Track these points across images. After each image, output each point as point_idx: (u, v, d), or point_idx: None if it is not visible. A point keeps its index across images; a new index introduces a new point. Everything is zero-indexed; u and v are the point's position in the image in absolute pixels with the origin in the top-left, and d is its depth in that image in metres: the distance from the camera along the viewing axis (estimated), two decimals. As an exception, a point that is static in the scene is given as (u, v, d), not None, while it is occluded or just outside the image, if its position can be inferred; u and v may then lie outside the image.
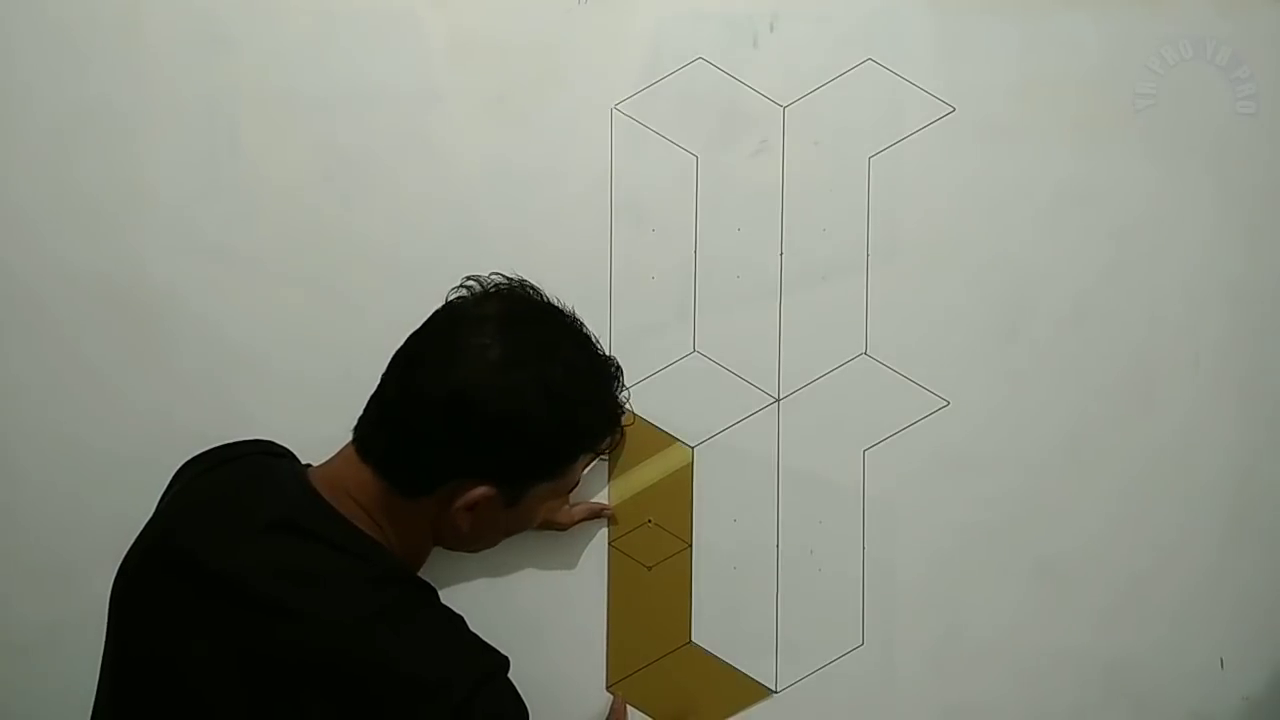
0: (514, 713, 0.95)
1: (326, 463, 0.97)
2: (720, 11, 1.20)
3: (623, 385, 0.97)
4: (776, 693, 1.23)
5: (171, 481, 1.03)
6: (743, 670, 1.23)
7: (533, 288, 0.98)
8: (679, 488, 1.22)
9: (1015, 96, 1.20)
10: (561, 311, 0.97)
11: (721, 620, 1.22)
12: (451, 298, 0.96)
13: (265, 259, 1.22)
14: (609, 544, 1.22)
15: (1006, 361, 1.21)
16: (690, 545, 1.23)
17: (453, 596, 1.21)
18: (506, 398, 0.89)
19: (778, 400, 1.22)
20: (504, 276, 0.96)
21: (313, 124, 1.21)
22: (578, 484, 0.98)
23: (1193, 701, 1.22)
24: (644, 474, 1.22)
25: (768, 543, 1.22)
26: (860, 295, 1.21)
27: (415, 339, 0.95)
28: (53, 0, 1.21)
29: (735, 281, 1.22)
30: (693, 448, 1.22)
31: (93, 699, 0.97)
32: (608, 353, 0.96)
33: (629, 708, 1.21)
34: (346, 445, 0.96)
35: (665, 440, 1.22)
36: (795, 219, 1.21)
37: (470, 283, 0.97)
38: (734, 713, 1.23)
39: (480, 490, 0.92)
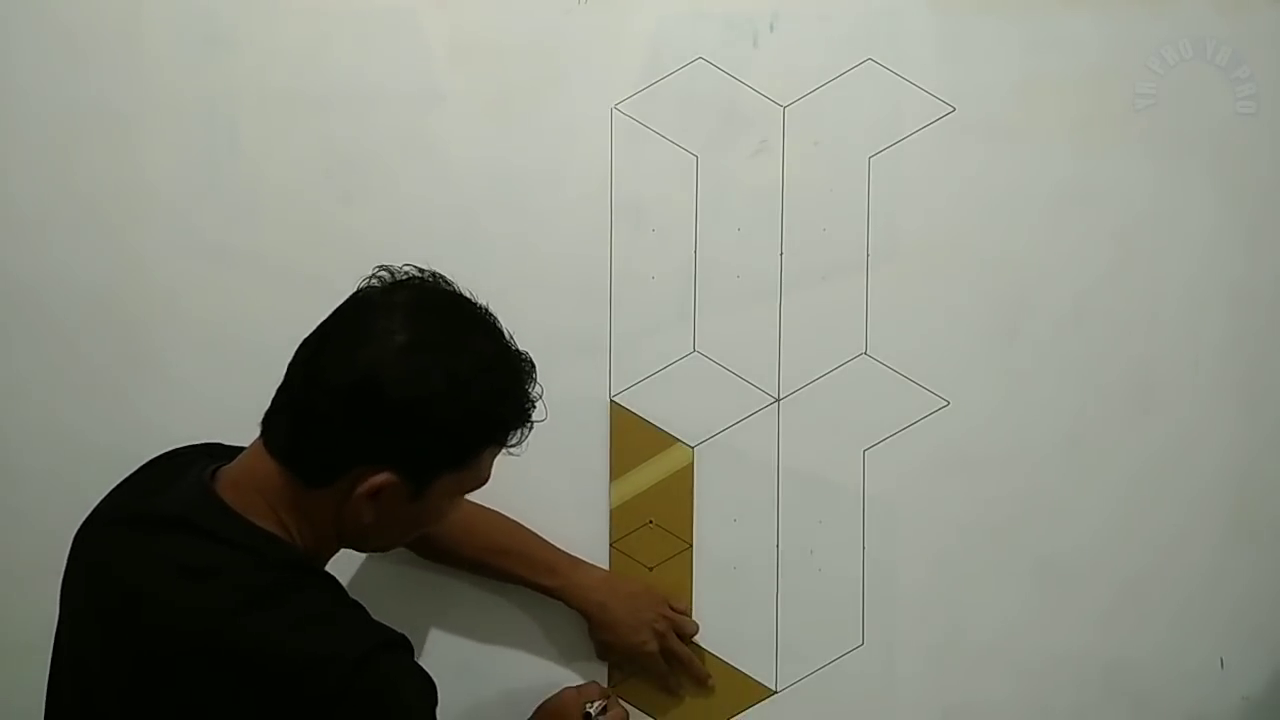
0: (414, 687, 0.91)
1: (239, 457, 0.96)
2: (720, 11, 1.20)
3: (535, 381, 0.94)
4: (777, 693, 1.23)
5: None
6: (743, 670, 1.23)
7: (445, 279, 0.95)
8: (679, 488, 1.22)
9: (1015, 96, 1.20)
10: (473, 303, 0.94)
11: (722, 620, 1.22)
12: (361, 286, 0.94)
13: (265, 259, 1.22)
14: (610, 545, 1.22)
15: (1006, 361, 1.21)
16: (691, 546, 1.23)
17: (452, 599, 1.22)
18: (411, 382, 0.87)
19: (778, 400, 1.22)
20: (416, 268, 0.94)
21: (313, 124, 1.21)
22: (486, 481, 0.97)
23: (1192, 701, 1.22)
24: (644, 474, 1.22)
25: (768, 543, 1.22)
26: (860, 295, 1.21)
27: (322, 326, 0.93)
28: (53, 0, 1.21)
29: (735, 281, 1.22)
30: (693, 448, 1.22)
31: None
32: (521, 349, 0.94)
33: (630, 707, 1.20)
34: (258, 438, 0.94)
35: (665, 440, 1.22)
36: (795, 219, 1.21)
37: (382, 272, 0.94)
38: (734, 713, 1.23)
39: (382, 477, 0.89)
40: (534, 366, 0.94)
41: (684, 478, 1.22)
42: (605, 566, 1.22)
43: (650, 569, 1.22)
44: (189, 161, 1.22)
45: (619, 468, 1.22)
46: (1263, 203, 1.20)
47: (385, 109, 1.21)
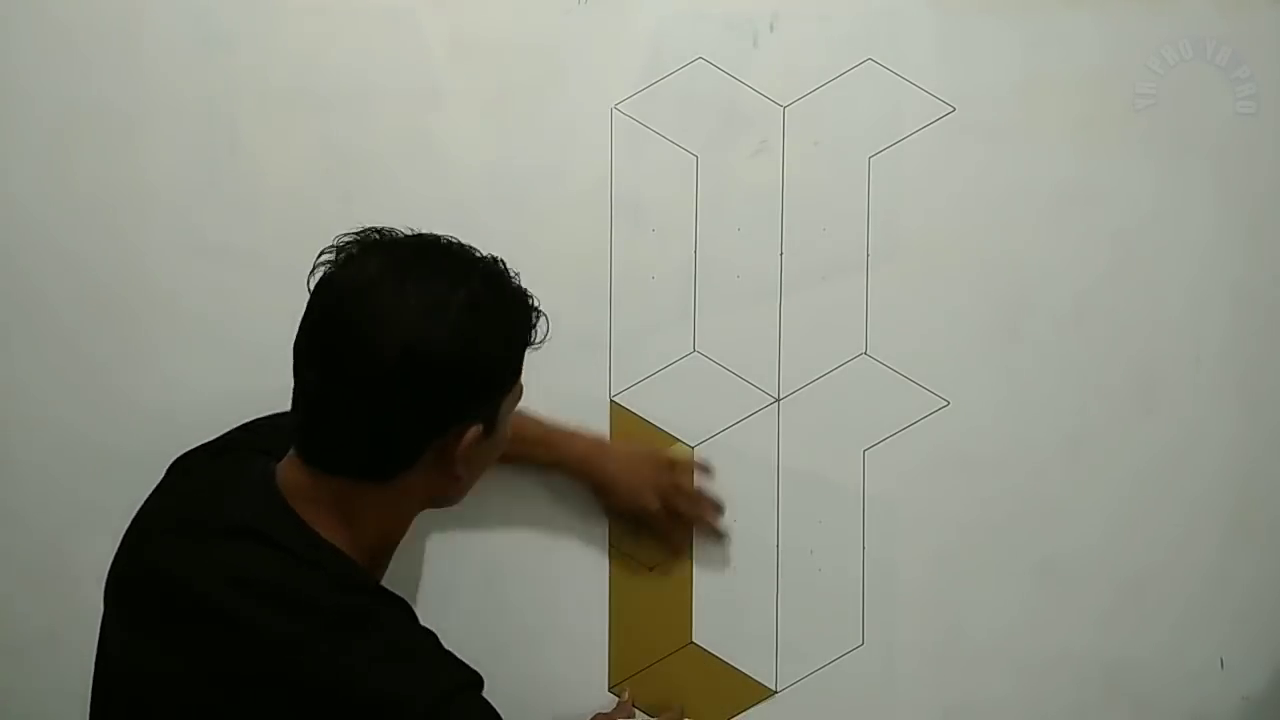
0: None
1: (286, 473, 0.93)
2: (720, 11, 1.20)
3: (513, 272, 0.95)
4: (777, 693, 1.23)
5: (165, 475, 1.02)
6: (743, 670, 1.23)
7: (385, 230, 0.93)
8: (679, 488, 1.22)
9: (1015, 96, 1.20)
10: (424, 236, 0.94)
11: (722, 620, 1.22)
12: (318, 276, 0.92)
13: (265, 259, 1.22)
14: (610, 544, 1.22)
15: (1006, 361, 1.21)
16: (691, 545, 1.23)
17: (452, 599, 1.21)
18: (451, 338, 0.86)
19: (778, 400, 1.22)
20: (353, 234, 0.92)
21: (313, 124, 1.21)
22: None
23: (1193, 702, 1.22)
24: (644, 474, 1.22)
25: (768, 543, 1.22)
26: (860, 295, 1.21)
27: (316, 330, 0.90)
28: (53, 0, 1.21)
29: (735, 281, 1.22)
30: (693, 448, 1.22)
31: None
32: (485, 252, 0.93)
33: (636, 708, 1.21)
34: (288, 457, 0.92)
35: (665, 440, 1.22)
36: (795, 219, 1.21)
37: (325, 256, 0.92)
38: (734, 713, 1.23)
39: (469, 434, 0.89)
40: (503, 260, 0.94)
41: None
42: (605, 562, 1.22)
43: (650, 569, 1.22)
44: (189, 161, 1.22)
45: (619, 467, 1.22)
46: (1263, 203, 1.20)
47: (385, 109, 1.21)
